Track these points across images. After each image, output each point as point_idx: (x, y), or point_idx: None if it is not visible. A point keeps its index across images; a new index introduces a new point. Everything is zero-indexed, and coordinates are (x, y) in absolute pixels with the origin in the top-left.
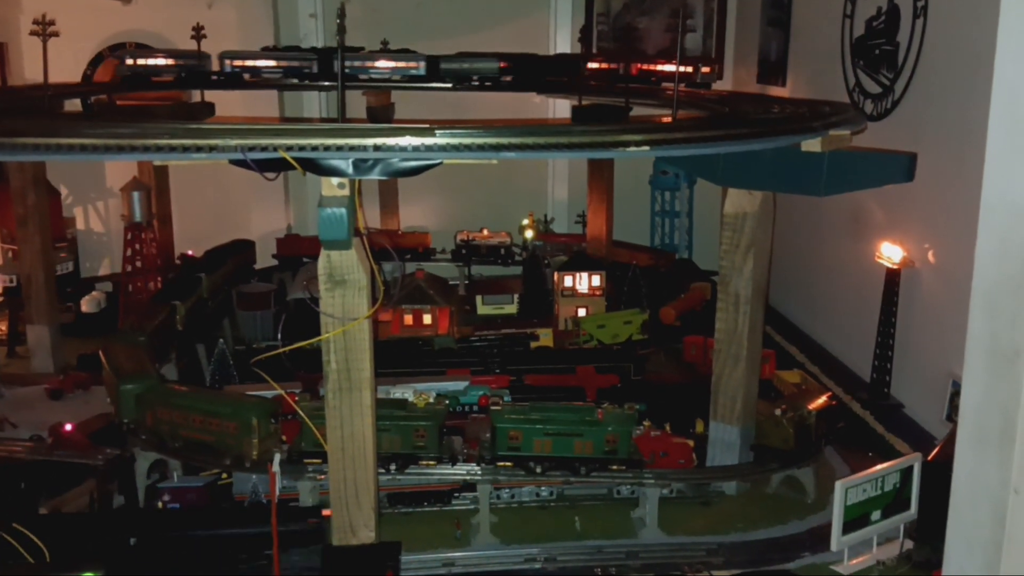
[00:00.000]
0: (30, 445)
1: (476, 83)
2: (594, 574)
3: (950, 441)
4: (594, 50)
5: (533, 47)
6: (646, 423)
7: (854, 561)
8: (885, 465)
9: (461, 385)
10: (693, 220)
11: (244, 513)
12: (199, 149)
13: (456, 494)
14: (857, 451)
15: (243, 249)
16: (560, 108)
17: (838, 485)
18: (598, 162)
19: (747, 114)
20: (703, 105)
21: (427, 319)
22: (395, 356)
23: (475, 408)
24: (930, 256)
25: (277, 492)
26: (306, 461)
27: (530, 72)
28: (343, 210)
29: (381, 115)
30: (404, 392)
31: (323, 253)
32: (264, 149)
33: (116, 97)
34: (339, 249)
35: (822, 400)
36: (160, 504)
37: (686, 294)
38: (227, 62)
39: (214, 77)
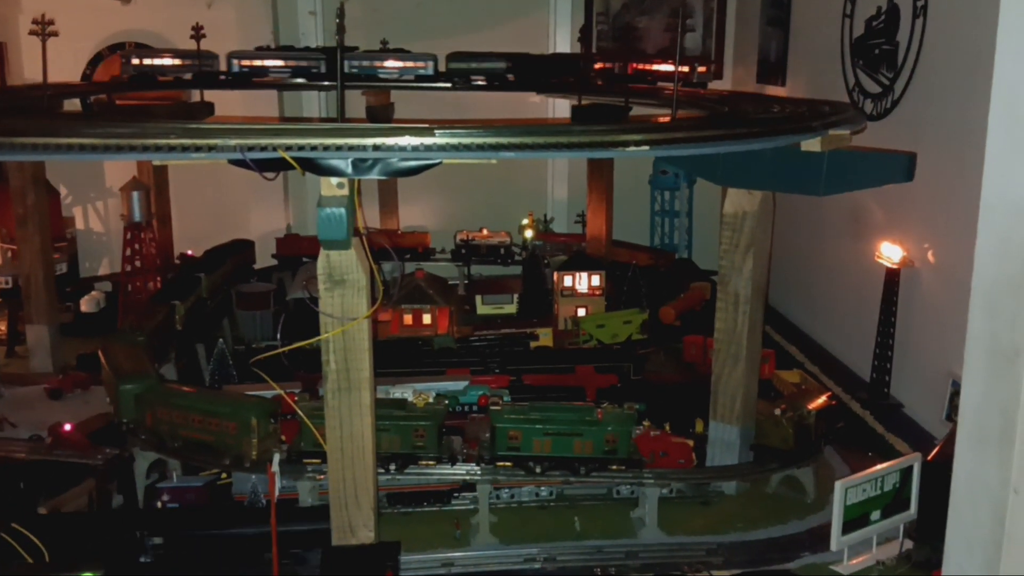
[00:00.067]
0: (29, 445)
1: (484, 83)
2: (594, 574)
3: (950, 441)
4: (594, 50)
5: (533, 47)
6: (646, 423)
7: (854, 561)
8: (885, 465)
9: (460, 385)
10: (693, 220)
11: (258, 512)
12: (198, 149)
13: (455, 494)
14: (857, 451)
15: (242, 249)
16: (560, 108)
17: (838, 485)
18: (598, 162)
19: (747, 114)
20: (703, 105)
21: (426, 319)
22: (394, 356)
23: (475, 408)
24: (930, 256)
25: (276, 492)
26: (305, 461)
27: (537, 72)
28: (342, 210)
29: (381, 115)
30: (403, 392)
31: (322, 253)
32: (263, 149)
33: (115, 97)
34: (338, 249)
35: (822, 400)
36: (159, 504)
37: (686, 294)
38: (235, 62)
39: (222, 77)
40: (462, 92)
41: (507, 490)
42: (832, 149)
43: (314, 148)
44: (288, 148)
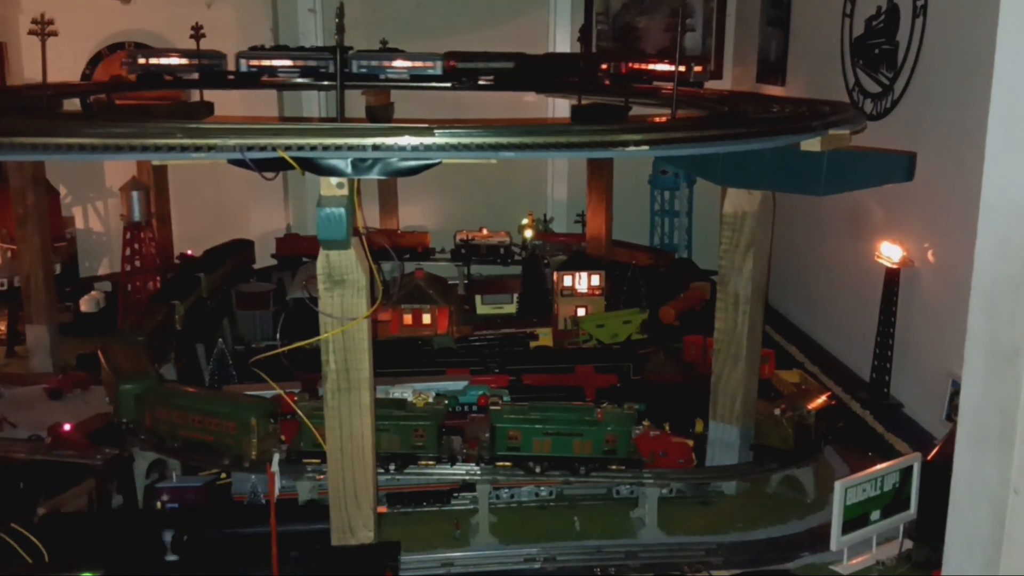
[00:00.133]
0: (29, 445)
1: (491, 83)
2: (593, 574)
3: (950, 441)
4: (593, 49)
5: (532, 47)
6: (645, 423)
7: (853, 561)
8: (884, 465)
9: (460, 385)
10: (692, 220)
11: (298, 510)
12: (198, 149)
13: (455, 494)
14: (856, 451)
15: (242, 249)
16: (559, 108)
17: (837, 485)
18: (597, 162)
19: (746, 114)
20: (703, 105)
21: (426, 319)
22: (394, 356)
23: (474, 408)
24: (930, 256)
25: (276, 492)
26: (305, 461)
27: (544, 71)
28: (342, 210)
29: (380, 115)
30: (403, 392)
31: (322, 253)
32: (263, 149)
33: (115, 97)
34: (338, 249)
35: (821, 400)
36: (159, 504)
37: (685, 294)
38: (243, 62)
39: (231, 76)
40: (462, 92)
41: (507, 490)
42: (832, 149)
43: (314, 148)
44: (288, 148)
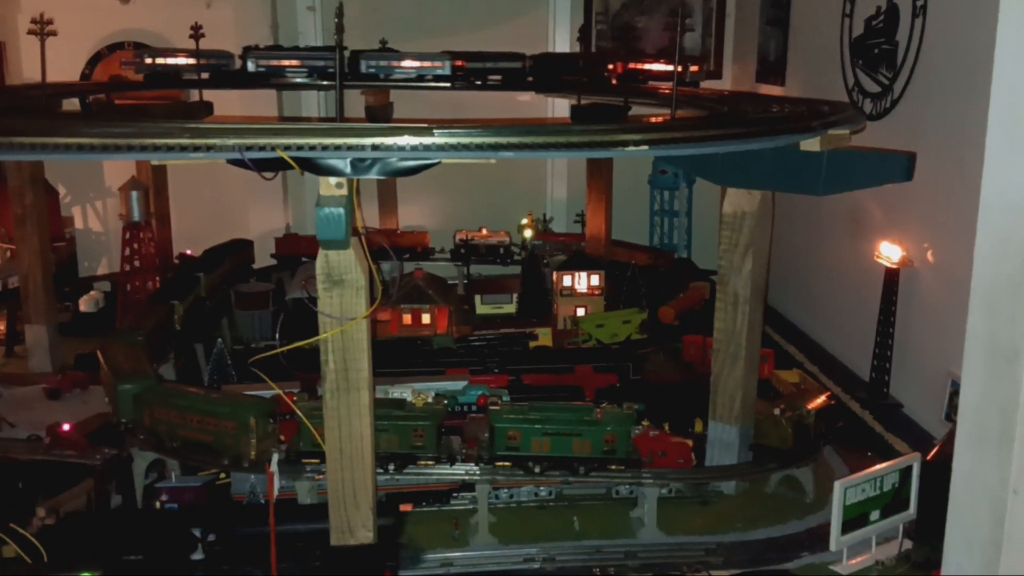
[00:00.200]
0: (28, 445)
1: (499, 82)
2: (592, 574)
3: (949, 441)
4: (593, 49)
5: (532, 46)
6: (645, 423)
7: (853, 561)
8: (884, 465)
9: (460, 385)
10: (692, 219)
11: (313, 508)
12: (197, 148)
13: (454, 494)
14: (856, 451)
15: (241, 249)
16: (559, 107)
17: (837, 485)
18: (597, 161)
19: (746, 113)
20: (702, 104)
21: (426, 319)
22: (393, 356)
23: (474, 408)
24: (929, 255)
25: (275, 492)
26: (304, 461)
27: (552, 71)
28: (341, 210)
29: (380, 114)
30: (402, 392)
31: (321, 253)
32: (262, 148)
33: (114, 96)
34: (337, 249)
35: (821, 400)
36: (158, 504)
37: (685, 293)
38: (252, 61)
39: (240, 76)
40: (462, 92)
41: (506, 490)
42: (831, 149)
43: (313, 148)
44: (287, 148)
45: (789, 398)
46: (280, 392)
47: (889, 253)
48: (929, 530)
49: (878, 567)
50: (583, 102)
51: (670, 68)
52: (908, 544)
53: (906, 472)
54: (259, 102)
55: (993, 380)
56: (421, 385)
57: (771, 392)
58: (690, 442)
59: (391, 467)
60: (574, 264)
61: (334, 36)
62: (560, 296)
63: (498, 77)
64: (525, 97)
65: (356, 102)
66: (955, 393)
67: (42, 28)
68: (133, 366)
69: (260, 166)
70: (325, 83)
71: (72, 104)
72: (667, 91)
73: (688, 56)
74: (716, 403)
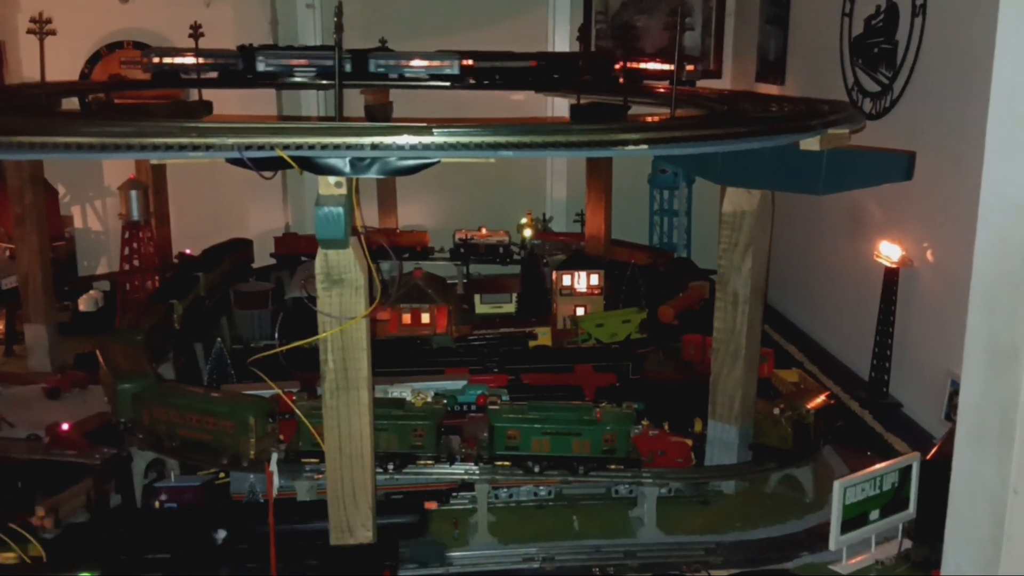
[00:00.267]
0: (27, 444)
1: (508, 82)
2: (592, 574)
3: (949, 440)
4: (592, 49)
5: (531, 46)
6: (644, 422)
7: (852, 560)
8: (884, 464)
9: (459, 384)
10: (691, 219)
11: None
12: (196, 148)
13: (454, 493)
14: (856, 450)
15: (241, 248)
16: (559, 107)
17: (836, 484)
18: (596, 161)
19: (745, 113)
20: (702, 104)
21: (425, 318)
22: (393, 355)
23: (473, 407)
24: (929, 255)
25: (274, 492)
26: (303, 460)
27: (560, 71)
28: (340, 209)
29: (379, 114)
30: (402, 391)
31: (320, 252)
32: (261, 148)
33: (114, 96)
34: (336, 248)
35: (820, 399)
36: (157, 504)
37: (684, 293)
38: (261, 61)
39: (249, 76)
40: (461, 91)
41: (505, 489)
42: (831, 148)
43: (312, 147)
44: (286, 147)
45: (789, 397)
46: (279, 391)
47: (889, 252)
48: (929, 529)
49: (878, 567)
50: (582, 101)
51: (666, 67)
52: (908, 544)
53: (906, 472)
54: (258, 101)
55: (993, 379)
56: (420, 384)
57: (771, 391)
58: (690, 441)
59: (390, 467)
60: (574, 263)
61: (333, 35)
62: (560, 295)
63: (506, 77)
64: (520, 96)
65: (355, 101)
66: (955, 392)
67: (41, 27)
68: (132, 365)
69: (259, 165)
70: (335, 84)
71: (71, 103)
72: (663, 90)
73: (686, 55)
74: (716, 402)
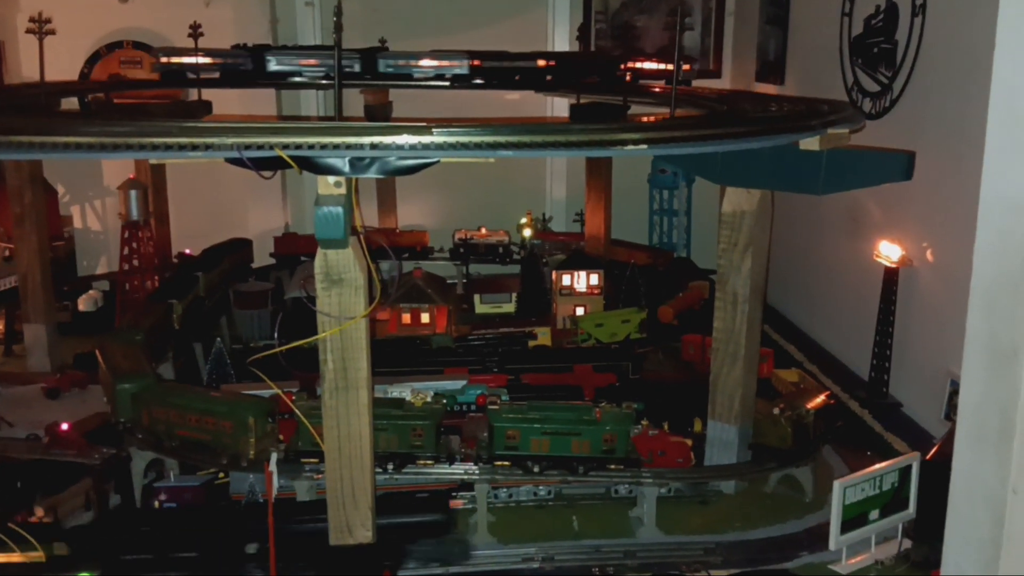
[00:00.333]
0: (26, 444)
1: (517, 82)
2: (592, 573)
3: (949, 440)
4: (592, 48)
5: (531, 45)
6: (644, 422)
7: (852, 560)
8: (883, 464)
9: (459, 384)
10: (691, 219)
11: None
12: (195, 147)
13: (453, 493)
14: (855, 450)
15: (240, 248)
16: (558, 106)
17: (836, 484)
18: (596, 160)
19: (745, 112)
20: (701, 103)
21: (425, 318)
22: (392, 355)
23: (473, 407)
24: (928, 255)
25: (274, 491)
26: (303, 460)
27: (569, 72)
28: (340, 209)
29: (379, 113)
30: (401, 391)
31: (320, 252)
32: (260, 147)
33: (113, 95)
34: (336, 248)
35: (820, 399)
36: (156, 503)
37: (684, 293)
38: (270, 60)
39: (260, 78)
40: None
41: (505, 489)
42: (831, 148)
43: (311, 147)
44: (285, 147)
45: (788, 397)
46: (279, 391)
47: (888, 252)
48: (928, 529)
49: (877, 566)
50: (582, 101)
51: (662, 66)
52: (907, 543)
53: (905, 471)
54: (258, 101)
55: (993, 379)
56: (420, 384)
57: (770, 391)
58: (689, 441)
59: (390, 466)
60: (573, 263)
61: (333, 35)
62: (559, 295)
63: (516, 77)
64: (515, 96)
65: (355, 101)
66: (954, 392)
67: (41, 27)
68: (132, 365)
69: (259, 165)
70: (346, 83)
71: (71, 103)
72: (660, 90)
73: (684, 55)
74: (715, 402)
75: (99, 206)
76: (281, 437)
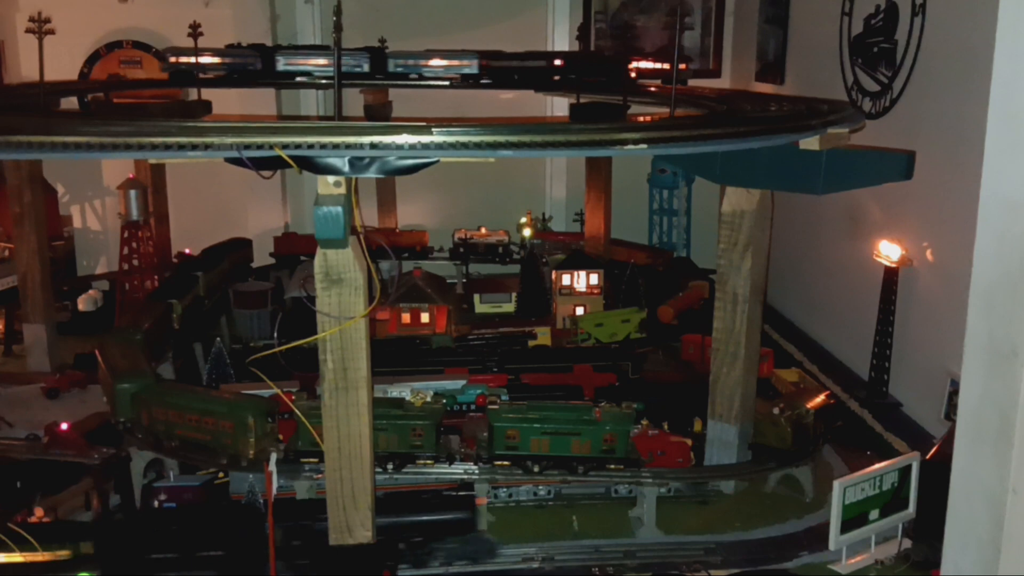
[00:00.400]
0: (26, 444)
1: (526, 82)
2: (591, 573)
3: (948, 440)
4: (591, 48)
5: (531, 45)
6: (644, 422)
7: (852, 560)
8: (883, 464)
9: (459, 384)
10: (691, 218)
11: (402, 501)
12: (195, 147)
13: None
14: (855, 450)
15: (240, 247)
16: (558, 106)
17: (836, 484)
18: (596, 160)
19: (745, 112)
20: (701, 103)
21: (424, 318)
22: (392, 355)
23: (472, 407)
24: (928, 254)
25: (273, 491)
26: (303, 460)
27: (577, 72)
28: (339, 208)
29: (378, 113)
30: (401, 391)
31: (319, 252)
32: (260, 147)
33: (113, 95)
34: (335, 248)
35: (820, 399)
36: (156, 503)
37: (684, 292)
38: (280, 60)
39: (269, 77)
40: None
41: (505, 489)
42: (830, 148)
43: (311, 146)
44: (285, 146)
45: (788, 397)
46: (279, 391)
47: (888, 252)
48: (928, 529)
49: (877, 566)
50: (582, 100)
51: (658, 66)
52: (907, 543)
53: (905, 471)
54: (257, 101)
55: (992, 379)
56: (420, 384)
57: (770, 391)
58: (689, 441)
59: (390, 466)
60: (573, 263)
61: (332, 35)
62: (559, 295)
63: (527, 77)
64: (509, 95)
65: (355, 101)
66: (954, 392)
67: (40, 27)
68: (131, 365)
69: (258, 165)
70: (355, 83)
71: (70, 103)
72: (654, 89)
73: (670, 53)
74: (715, 402)
75: (99, 206)
76: (281, 437)
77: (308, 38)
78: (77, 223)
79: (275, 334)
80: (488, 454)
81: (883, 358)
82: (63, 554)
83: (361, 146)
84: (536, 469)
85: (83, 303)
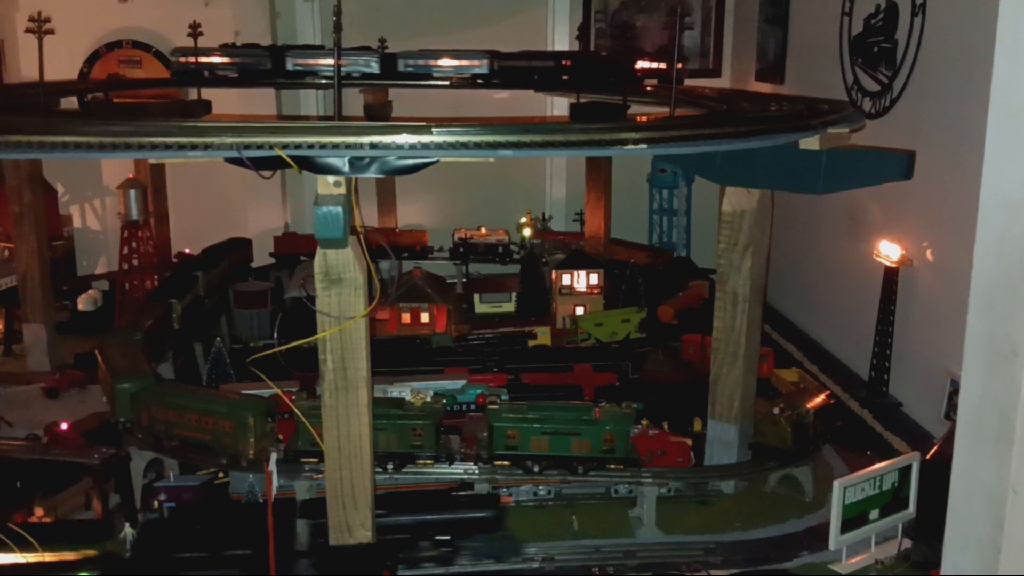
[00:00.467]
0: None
1: (535, 82)
2: (591, 573)
3: (948, 440)
4: (591, 48)
5: (531, 45)
6: (644, 422)
7: (852, 560)
8: (883, 464)
9: (458, 384)
10: (691, 218)
11: (424, 499)
12: (195, 147)
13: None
14: (855, 450)
15: (240, 247)
16: (558, 105)
17: (836, 484)
18: (596, 160)
19: (745, 112)
20: (701, 103)
21: (424, 317)
22: (392, 355)
23: (472, 407)
24: (929, 254)
25: (273, 491)
26: (302, 460)
27: (585, 72)
28: (339, 208)
29: (378, 113)
30: (401, 391)
31: (319, 251)
32: (260, 147)
33: (113, 95)
34: (335, 247)
35: (820, 399)
36: (156, 503)
37: (684, 292)
38: (290, 60)
39: (280, 78)
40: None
41: (505, 489)
42: (830, 147)
43: (311, 146)
44: (285, 146)
45: (788, 397)
46: (279, 391)
47: (888, 252)
48: (928, 529)
49: (877, 566)
50: (581, 100)
51: (655, 65)
52: (907, 543)
53: (905, 471)
54: (257, 101)
55: (992, 379)
56: (420, 384)
57: (770, 391)
58: (689, 441)
59: (390, 466)
60: (573, 263)
61: (332, 35)
62: (559, 295)
63: (535, 77)
64: (504, 94)
65: (355, 101)
66: (954, 392)
67: (40, 26)
68: (131, 365)
69: (258, 165)
70: (365, 83)
71: (70, 102)
72: (651, 88)
73: (667, 52)
74: (715, 402)
75: (99, 206)
76: (280, 437)
77: (308, 38)
78: (77, 223)
79: (275, 334)
80: (488, 454)
81: (883, 358)
82: (89, 553)
83: (361, 146)
84: (536, 469)
85: (83, 303)
